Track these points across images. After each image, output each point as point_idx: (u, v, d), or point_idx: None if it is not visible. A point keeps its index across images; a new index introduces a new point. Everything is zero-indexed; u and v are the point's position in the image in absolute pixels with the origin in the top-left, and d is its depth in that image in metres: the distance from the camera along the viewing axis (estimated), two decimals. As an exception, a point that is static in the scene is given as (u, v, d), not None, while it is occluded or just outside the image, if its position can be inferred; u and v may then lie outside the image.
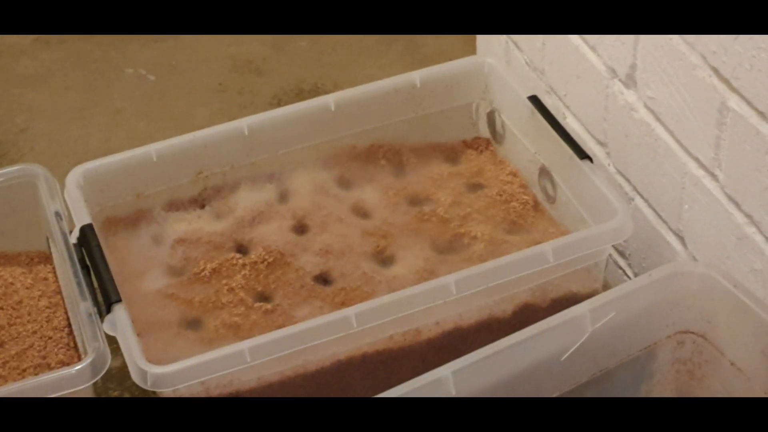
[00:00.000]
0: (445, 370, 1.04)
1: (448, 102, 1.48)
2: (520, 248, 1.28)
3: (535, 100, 1.38)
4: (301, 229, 1.38)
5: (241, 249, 1.36)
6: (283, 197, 1.41)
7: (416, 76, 1.45)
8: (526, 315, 1.25)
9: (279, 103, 1.82)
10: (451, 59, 1.49)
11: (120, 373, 1.40)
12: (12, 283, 1.34)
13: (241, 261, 1.33)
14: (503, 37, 1.60)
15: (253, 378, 1.18)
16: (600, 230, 1.24)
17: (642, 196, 1.34)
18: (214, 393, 1.17)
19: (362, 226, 1.37)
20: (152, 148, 1.38)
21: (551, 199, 1.39)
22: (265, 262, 1.32)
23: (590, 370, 1.12)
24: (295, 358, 1.18)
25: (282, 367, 1.19)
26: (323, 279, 1.31)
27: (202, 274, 1.32)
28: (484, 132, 1.50)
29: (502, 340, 1.06)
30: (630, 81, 1.30)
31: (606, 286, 1.31)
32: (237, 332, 1.25)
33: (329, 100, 1.41)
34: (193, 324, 1.27)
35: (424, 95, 1.46)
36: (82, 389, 1.15)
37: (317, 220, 1.37)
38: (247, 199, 1.40)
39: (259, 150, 1.41)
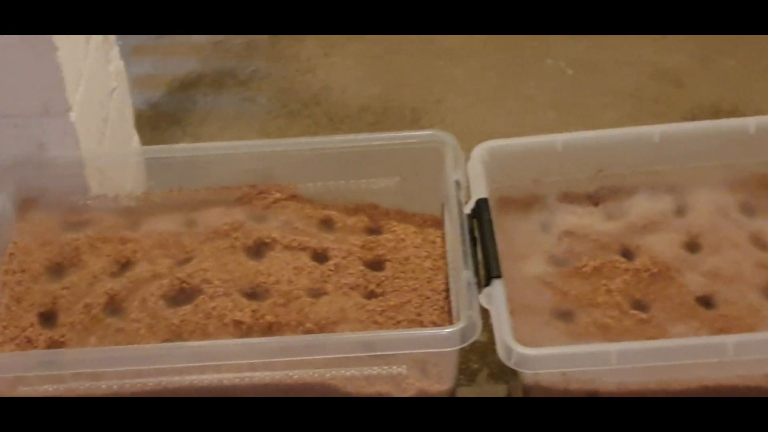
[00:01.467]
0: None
1: None
2: None
3: None
4: (692, 246, 1.34)
5: (627, 254, 1.35)
6: (681, 211, 1.38)
7: None
8: None
9: (693, 119, 1.78)
10: None
11: (484, 348, 1.44)
12: (403, 240, 1.40)
13: (624, 265, 1.32)
14: None
15: (614, 381, 1.17)
16: None
17: None
18: (573, 387, 1.18)
19: (758, 257, 1.31)
20: (558, 138, 1.39)
21: None
22: (649, 272, 1.30)
23: None
24: (660, 372, 1.16)
25: (645, 378, 1.17)
26: (705, 301, 1.27)
27: (584, 269, 1.32)
28: None
29: None
30: None
31: None
32: (606, 334, 1.24)
33: (750, 122, 1.36)
34: (565, 316, 1.28)
35: None
36: (448, 352, 1.19)
37: (711, 241, 1.33)
38: (642, 206, 1.39)
39: (666, 160, 1.38)
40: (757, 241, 1.35)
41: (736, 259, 1.31)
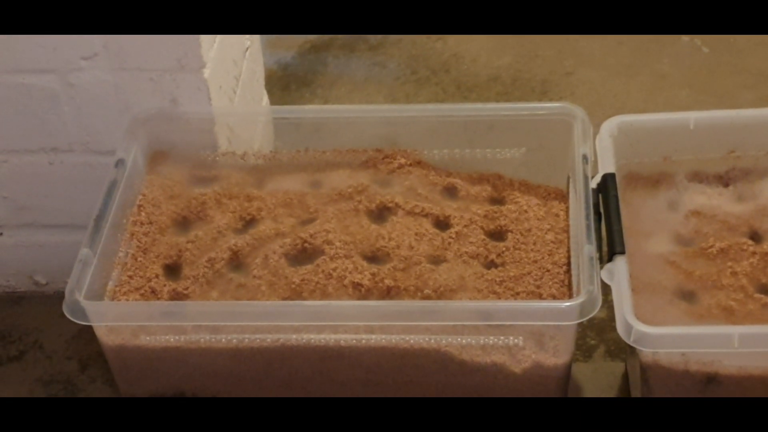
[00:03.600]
0: None
1: None
2: None
3: None
4: (827, 234, 1.31)
5: (755, 237, 1.32)
6: (813, 196, 1.35)
7: None
8: None
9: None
10: None
11: (602, 324, 1.42)
12: (526, 211, 1.39)
13: (751, 248, 1.29)
14: None
15: (735, 365, 1.15)
16: None
17: None
18: (693, 368, 1.16)
19: None
20: (691, 116, 1.36)
21: None
22: (777, 256, 1.27)
23: None
24: (784, 358, 1.13)
25: (767, 363, 1.15)
26: (836, 291, 1.24)
27: (709, 250, 1.29)
28: None
29: None
30: None
31: None
32: (729, 316, 1.22)
33: None
34: (688, 296, 1.26)
35: None
36: (566, 326, 1.19)
37: None
38: (774, 189, 1.35)
39: (804, 143, 1.35)
40: None
41: None
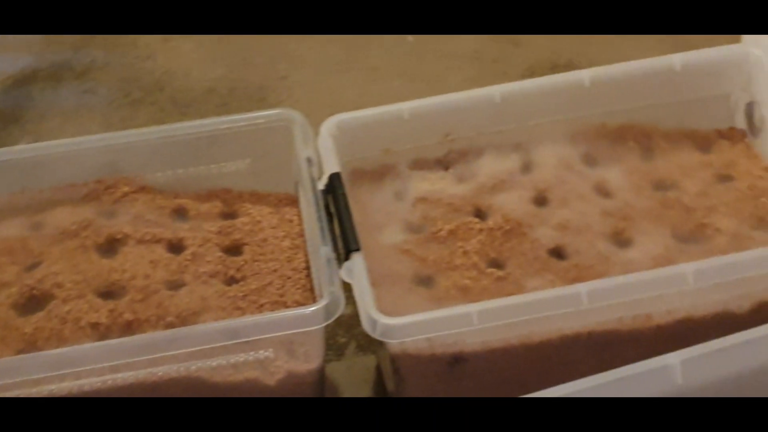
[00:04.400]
0: (673, 358, 1.01)
1: (706, 89, 1.43)
2: (766, 246, 1.24)
3: (800, 95, 1.33)
4: (541, 201, 1.37)
5: (480, 214, 1.37)
6: (527, 168, 1.41)
7: (677, 59, 1.41)
8: (764, 313, 1.21)
9: (532, 75, 1.81)
10: (713, 45, 1.45)
11: (350, 320, 1.44)
12: (259, 221, 1.39)
13: (478, 226, 1.34)
14: (774, 28, 1.54)
15: (478, 341, 1.19)
16: None
17: None
18: (439, 351, 1.19)
19: (603, 206, 1.35)
20: (405, 107, 1.40)
21: (805, 200, 1.33)
22: (502, 230, 1.33)
23: (828, 378, 1.07)
24: (521, 327, 1.18)
25: (507, 334, 1.19)
26: (557, 253, 1.31)
27: (439, 234, 1.34)
28: (740, 123, 1.45)
29: (737, 335, 1.03)
30: None
31: None
32: (467, 295, 1.26)
33: (584, 75, 1.40)
34: (425, 281, 1.29)
35: (682, 80, 1.42)
36: (313, 331, 1.19)
37: (558, 195, 1.37)
38: (490, 166, 1.41)
39: (509, 119, 1.41)
40: (601, 190, 1.39)
41: (583, 209, 1.34)
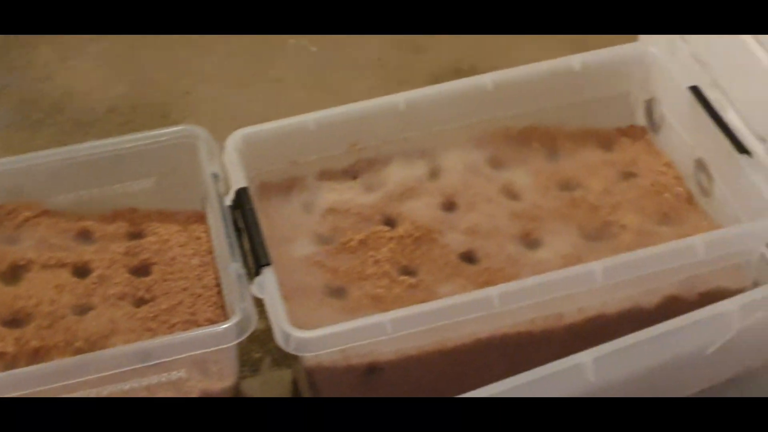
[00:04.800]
0: (585, 356, 1.03)
1: (606, 88, 1.46)
2: (670, 241, 1.26)
3: (696, 91, 1.35)
4: (449, 206, 1.38)
5: (389, 222, 1.37)
6: (434, 174, 1.42)
7: (576, 60, 1.43)
8: (672, 308, 1.23)
9: (436, 81, 1.79)
10: (612, 45, 1.47)
11: (263, 335, 1.43)
12: (167, 240, 1.38)
13: (388, 234, 1.34)
14: (668, 26, 1.57)
15: (392, 350, 1.20)
16: (755, 227, 1.21)
17: (802, 197, 1.30)
18: (354, 361, 1.19)
19: (511, 208, 1.36)
20: (310, 118, 1.40)
21: (706, 193, 1.35)
22: (412, 237, 1.33)
23: (734, 368, 1.10)
24: (435, 333, 1.19)
25: (421, 341, 1.20)
26: (468, 257, 1.31)
27: (350, 244, 1.34)
28: (641, 120, 1.47)
29: (646, 330, 1.05)
30: (799, 78, 1.26)
31: (756, 285, 1.27)
32: (379, 304, 1.26)
33: (487, 79, 1.41)
34: (338, 292, 1.29)
35: (583, 80, 1.44)
36: (226, 348, 1.18)
37: (466, 199, 1.38)
38: (398, 174, 1.41)
39: (414, 126, 1.42)
40: (508, 193, 1.40)
41: (491, 212, 1.35)
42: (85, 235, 1.37)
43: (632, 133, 1.47)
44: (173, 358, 1.16)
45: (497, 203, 1.37)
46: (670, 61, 1.42)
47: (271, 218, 1.37)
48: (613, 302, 1.23)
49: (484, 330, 1.20)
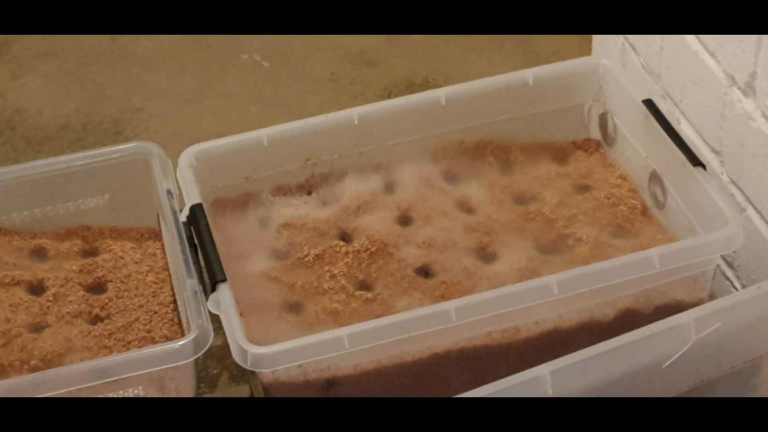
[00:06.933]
0: (543, 369, 1.03)
1: (560, 102, 1.47)
2: (626, 253, 1.27)
3: (649, 103, 1.37)
4: (405, 220, 1.38)
5: (345, 237, 1.37)
6: (389, 188, 1.42)
7: (529, 74, 1.44)
8: (628, 320, 1.24)
9: (389, 95, 1.83)
10: (564, 59, 1.48)
11: (221, 351, 1.42)
12: (122, 257, 1.37)
13: (344, 249, 1.34)
14: (620, 39, 1.58)
15: (350, 365, 1.19)
16: (710, 239, 1.22)
17: (755, 207, 1.31)
18: (312, 377, 1.18)
19: (466, 221, 1.37)
20: (263, 133, 1.39)
21: (660, 205, 1.37)
22: (368, 251, 1.33)
23: (691, 379, 1.10)
24: (392, 347, 1.19)
25: (379, 355, 1.20)
26: (424, 271, 1.32)
27: (306, 259, 1.33)
28: (595, 134, 1.49)
29: (603, 343, 1.05)
30: (749, 89, 1.27)
31: (712, 297, 1.28)
32: (337, 319, 1.26)
33: (440, 94, 1.42)
34: (295, 308, 1.29)
35: (536, 94, 1.45)
36: (183, 365, 1.17)
37: (422, 213, 1.38)
38: (353, 188, 1.41)
39: (368, 140, 1.42)
40: (464, 206, 1.40)
41: (447, 226, 1.36)
42: (39, 253, 1.36)
43: (587, 146, 1.48)
44: (130, 375, 1.16)
45: (452, 217, 1.37)
46: (622, 74, 1.43)
47: (227, 234, 1.36)
48: (569, 315, 1.24)
49: (441, 344, 1.21)
